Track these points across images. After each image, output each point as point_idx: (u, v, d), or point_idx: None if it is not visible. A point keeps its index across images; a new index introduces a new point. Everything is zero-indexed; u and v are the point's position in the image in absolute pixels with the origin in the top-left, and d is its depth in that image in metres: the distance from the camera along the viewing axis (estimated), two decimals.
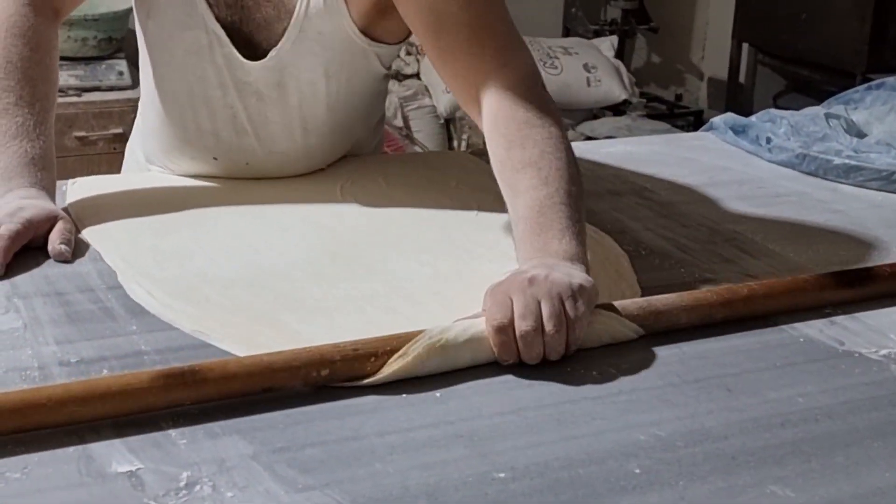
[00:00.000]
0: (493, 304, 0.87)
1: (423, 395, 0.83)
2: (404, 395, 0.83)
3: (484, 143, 1.10)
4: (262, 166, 1.29)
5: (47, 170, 1.13)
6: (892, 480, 0.74)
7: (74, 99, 3.01)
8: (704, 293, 0.97)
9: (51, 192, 1.13)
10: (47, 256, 1.05)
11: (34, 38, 1.19)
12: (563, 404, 0.83)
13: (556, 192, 0.99)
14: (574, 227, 0.97)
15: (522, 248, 0.97)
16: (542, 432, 0.79)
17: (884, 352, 0.94)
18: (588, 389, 0.85)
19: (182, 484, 0.70)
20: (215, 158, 1.28)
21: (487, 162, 1.07)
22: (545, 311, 0.86)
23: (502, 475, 0.73)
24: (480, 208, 1.22)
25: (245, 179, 1.29)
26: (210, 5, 1.20)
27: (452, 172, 1.38)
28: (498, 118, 1.07)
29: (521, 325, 0.85)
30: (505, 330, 0.86)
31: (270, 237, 1.13)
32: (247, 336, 0.91)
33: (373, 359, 0.83)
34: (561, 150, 1.03)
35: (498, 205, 1.09)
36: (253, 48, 1.22)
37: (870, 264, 1.14)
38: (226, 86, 1.23)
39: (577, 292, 0.88)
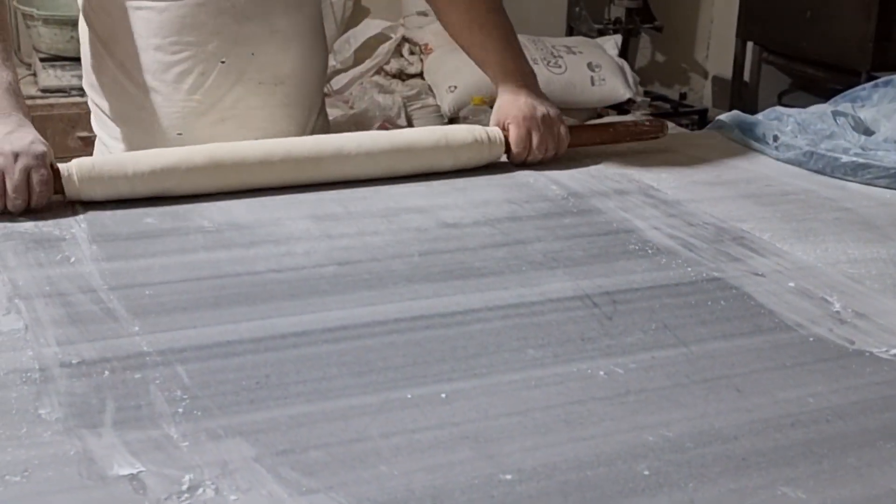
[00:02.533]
0: (518, 133, 1.41)
1: (428, 395, 0.82)
2: (409, 396, 0.82)
3: None
4: (265, 50, 1.41)
5: (21, 97, 1.25)
6: None
7: (77, 99, 3.00)
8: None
9: (29, 119, 1.25)
10: (49, 257, 1.05)
11: None
12: (571, 405, 0.82)
13: (513, 31, 1.50)
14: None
15: (512, 66, 1.47)
16: (549, 433, 0.78)
17: (894, 351, 0.93)
18: (596, 390, 0.84)
19: (184, 487, 0.69)
20: (223, 62, 1.40)
21: None
22: (551, 140, 1.43)
23: (509, 477, 0.72)
24: None
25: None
26: None
27: None
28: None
29: (537, 153, 1.42)
30: (521, 155, 1.42)
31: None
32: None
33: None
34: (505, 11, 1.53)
35: None
36: None
37: (879, 262, 1.13)
38: None
39: (562, 121, 1.46)
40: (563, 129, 1.44)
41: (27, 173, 1.15)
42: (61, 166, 1.20)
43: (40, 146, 1.19)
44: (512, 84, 1.46)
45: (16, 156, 1.16)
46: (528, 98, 1.45)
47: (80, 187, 1.20)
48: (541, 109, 1.44)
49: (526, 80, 1.47)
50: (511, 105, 1.44)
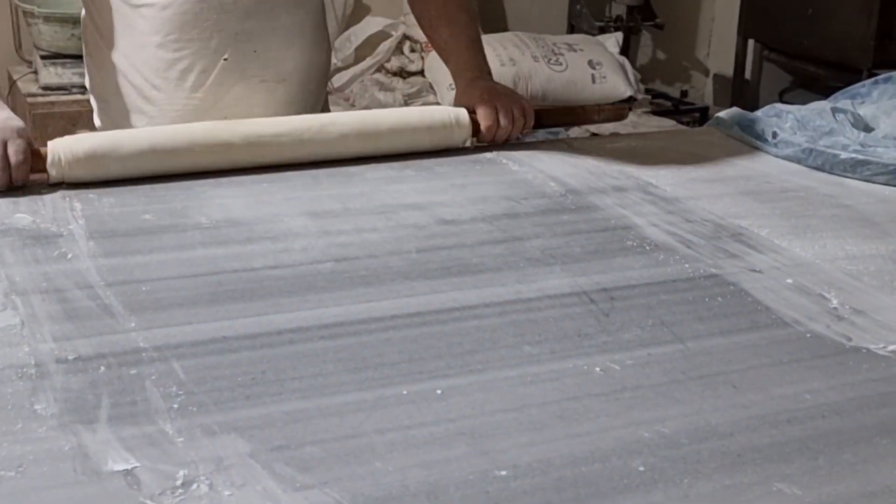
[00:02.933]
0: (484, 109, 1.45)
1: (423, 392, 0.82)
2: (405, 392, 0.82)
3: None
4: (268, 47, 1.43)
5: None
6: None
7: (78, 97, 3.00)
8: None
9: (5, 106, 1.25)
10: (46, 253, 1.05)
11: None
12: (567, 401, 0.82)
13: (479, 32, 1.58)
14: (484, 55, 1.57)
15: (471, 59, 1.53)
16: (544, 430, 0.78)
17: (892, 347, 0.92)
18: (591, 386, 0.84)
19: (179, 482, 0.69)
20: (225, 59, 1.41)
21: None
22: (517, 111, 1.47)
23: (504, 473, 0.72)
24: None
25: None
26: None
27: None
28: None
29: (505, 125, 1.45)
30: (492, 128, 1.44)
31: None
32: None
33: None
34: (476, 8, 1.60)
35: None
36: None
37: (878, 259, 1.13)
38: None
39: (524, 102, 1.50)
40: (525, 102, 1.49)
41: (3, 145, 1.17)
42: (49, 144, 1.22)
43: (16, 121, 1.21)
44: (469, 75, 1.51)
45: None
46: (486, 83, 1.51)
47: (66, 168, 1.22)
48: (499, 88, 1.50)
49: (483, 73, 1.53)
50: (471, 88, 1.49)
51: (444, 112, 1.45)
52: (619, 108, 1.74)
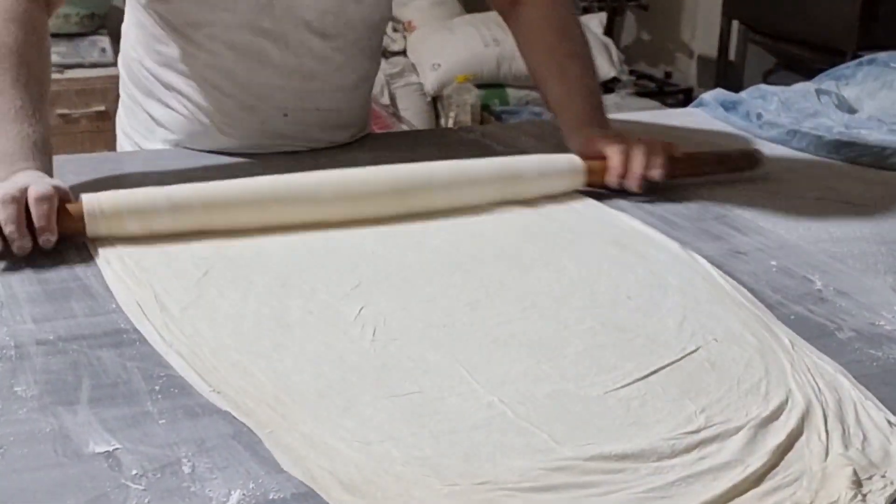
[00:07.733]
0: (616, 153, 1.22)
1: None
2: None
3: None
4: (329, 105, 1.36)
5: (47, 155, 1.10)
6: None
7: (56, 76, 2.97)
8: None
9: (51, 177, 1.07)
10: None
11: (28, 22, 1.15)
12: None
13: (597, 83, 1.38)
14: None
15: (590, 119, 1.30)
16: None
17: (876, 330, 0.92)
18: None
19: (161, 464, 0.68)
20: (286, 115, 1.33)
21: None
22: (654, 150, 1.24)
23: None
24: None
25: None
26: None
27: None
28: (548, 13, 1.34)
29: (639, 158, 1.22)
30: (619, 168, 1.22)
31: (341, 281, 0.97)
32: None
33: None
34: (591, 52, 1.40)
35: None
36: None
37: (862, 241, 1.13)
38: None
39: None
40: (661, 142, 1.27)
41: (23, 196, 0.98)
42: (84, 198, 1.03)
43: (48, 178, 1.04)
44: (587, 130, 1.29)
45: (17, 192, 0.98)
46: (610, 132, 1.29)
47: (110, 220, 1.02)
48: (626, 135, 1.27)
49: (603, 126, 1.31)
50: (598, 135, 1.27)
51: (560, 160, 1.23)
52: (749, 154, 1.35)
